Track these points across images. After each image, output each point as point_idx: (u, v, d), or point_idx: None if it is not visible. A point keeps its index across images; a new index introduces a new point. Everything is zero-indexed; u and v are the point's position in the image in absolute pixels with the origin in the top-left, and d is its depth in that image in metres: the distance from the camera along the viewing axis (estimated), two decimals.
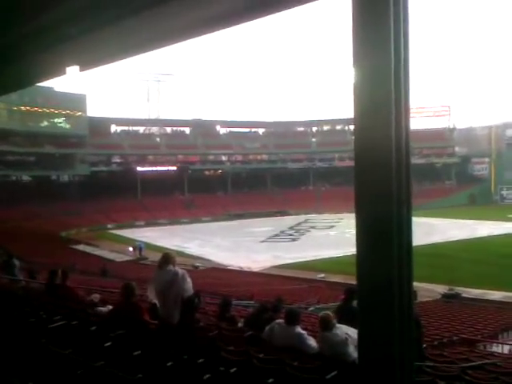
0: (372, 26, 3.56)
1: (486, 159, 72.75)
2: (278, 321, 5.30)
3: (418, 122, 73.39)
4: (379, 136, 3.48)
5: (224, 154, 75.39)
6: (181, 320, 5.29)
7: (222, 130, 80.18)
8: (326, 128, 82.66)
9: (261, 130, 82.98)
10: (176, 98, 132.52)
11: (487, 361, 6.79)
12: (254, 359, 4.50)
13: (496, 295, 19.75)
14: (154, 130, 77.03)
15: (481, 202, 64.46)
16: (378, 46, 3.50)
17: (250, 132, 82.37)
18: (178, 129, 78.67)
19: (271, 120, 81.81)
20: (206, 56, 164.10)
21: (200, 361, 4.38)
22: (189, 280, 5.40)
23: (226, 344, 4.95)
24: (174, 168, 68.38)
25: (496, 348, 11.68)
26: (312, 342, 4.93)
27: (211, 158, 74.84)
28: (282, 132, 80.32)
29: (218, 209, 62.66)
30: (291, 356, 4.59)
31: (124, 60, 8.19)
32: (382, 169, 3.47)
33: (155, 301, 5.49)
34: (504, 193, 67.77)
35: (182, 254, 30.28)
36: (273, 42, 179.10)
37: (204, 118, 78.05)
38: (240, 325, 6.44)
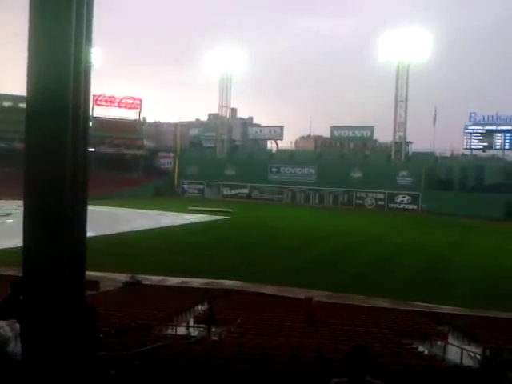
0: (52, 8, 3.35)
1: (171, 154, 78.65)
2: None
3: (109, 111, 74.07)
4: (54, 122, 3.29)
5: None
6: None
7: None
8: (6, 104, 74.44)
9: None
10: None
11: (160, 344, 7.30)
12: None
13: (173, 281, 21.35)
14: None
15: (165, 194, 69.29)
16: (57, 24, 3.32)
17: None
18: None
19: None
20: None
21: None
22: None
23: None
24: None
25: (171, 330, 12.79)
26: None
27: None
28: None
29: None
30: None
31: None
32: (55, 156, 3.29)
33: None
34: (185, 186, 74.74)
35: None
36: None
37: None
38: None
